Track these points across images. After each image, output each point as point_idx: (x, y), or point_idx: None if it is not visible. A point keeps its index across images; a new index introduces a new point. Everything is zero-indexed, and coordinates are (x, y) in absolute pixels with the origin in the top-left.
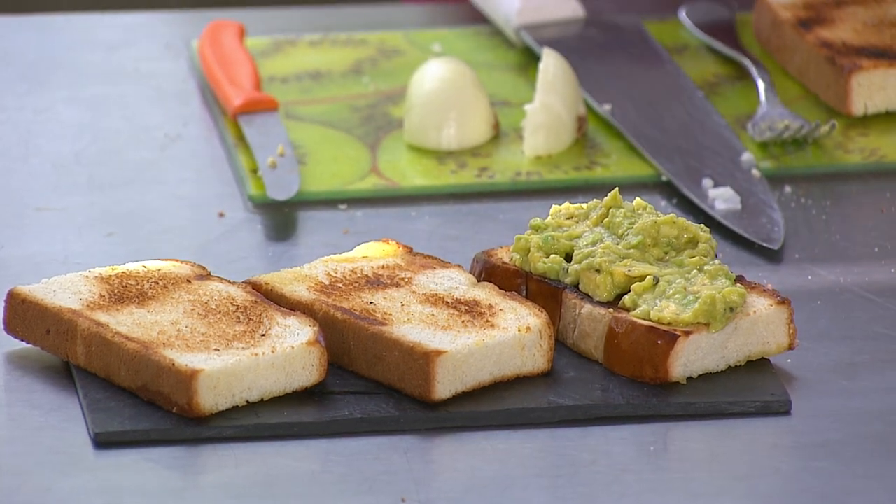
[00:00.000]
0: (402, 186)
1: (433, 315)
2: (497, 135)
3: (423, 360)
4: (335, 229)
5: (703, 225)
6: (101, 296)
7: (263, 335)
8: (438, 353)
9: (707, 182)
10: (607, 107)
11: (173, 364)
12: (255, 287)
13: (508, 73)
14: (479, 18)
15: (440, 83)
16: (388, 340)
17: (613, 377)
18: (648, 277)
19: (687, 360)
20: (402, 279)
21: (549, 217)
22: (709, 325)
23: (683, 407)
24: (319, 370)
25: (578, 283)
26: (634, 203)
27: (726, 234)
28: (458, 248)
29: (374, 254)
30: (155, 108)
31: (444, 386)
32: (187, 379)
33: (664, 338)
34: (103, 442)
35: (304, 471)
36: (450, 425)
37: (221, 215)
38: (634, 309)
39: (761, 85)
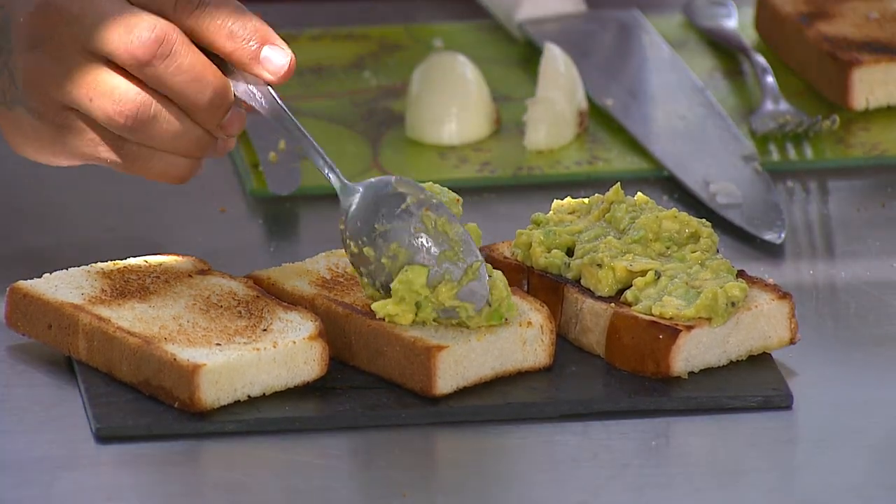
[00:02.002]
0: None
1: None
2: (498, 129)
3: (424, 355)
4: (336, 224)
5: (704, 220)
6: (103, 290)
7: (265, 330)
8: (440, 347)
9: (709, 176)
10: (609, 101)
11: (175, 359)
12: (257, 282)
13: (510, 68)
14: (480, 13)
15: (441, 78)
16: (389, 335)
17: (615, 372)
18: (650, 272)
19: (688, 354)
20: None
21: (551, 212)
22: (710, 319)
23: (685, 402)
24: (321, 365)
25: (580, 278)
26: (636, 198)
27: (728, 228)
28: None
29: None
30: None
31: (446, 381)
32: (189, 374)
33: (666, 332)
34: (105, 437)
35: (305, 466)
36: (451, 420)
37: (223, 210)
38: (636, 304)
39: (763, 79)
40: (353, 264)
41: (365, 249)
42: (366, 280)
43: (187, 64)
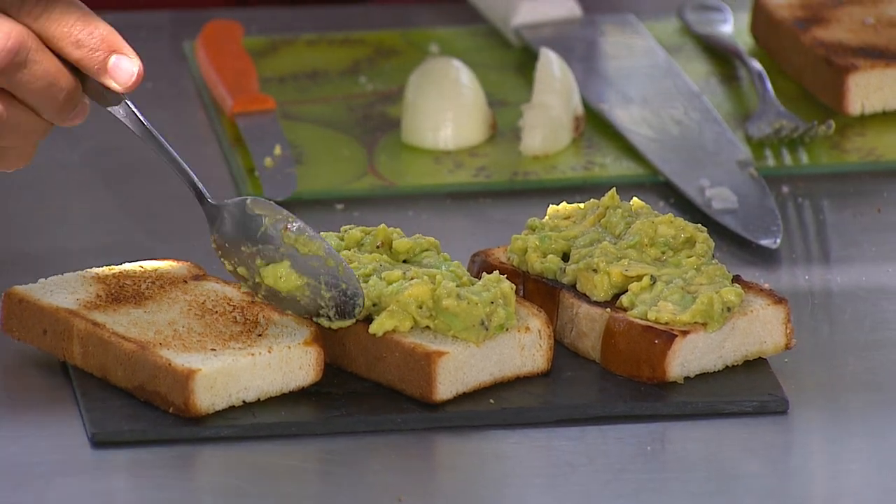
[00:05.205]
0: (399, 186)
1: None
2: (494, 134)
3: (424, 360)
4: (332, 229)
5: (700, 225)
6: (98, 295)
7: (260, 335)
8: (440, 353)
9: (704, 182)
10: (605, 106)
11: (170, 364)
12: None
13: (506, 73)
14: (476, 18)
15: (437, 83)
16: (388, 341)
17: (611, 377)
18: (646, 277)
19: (684, 359)
20: None
21: (547, 217)
22: (706, 324)
23: (681, 407)
24: (316, 370)
25: (576, 283)
26: (632, 203)
27: (723, 233)
28: (455, 247)
29: None
30: (152, 109)
31: (446, 387)
32: (184, 379)
33: (661, 337)
34: (100, 442)
35: (301, 471)
36: (447, 425)
37: None
38: (632, 309)
39: (758, 85)
40: (233, 276)
41: (239, 269)
42: (249, 289)
43: (41, 71)
